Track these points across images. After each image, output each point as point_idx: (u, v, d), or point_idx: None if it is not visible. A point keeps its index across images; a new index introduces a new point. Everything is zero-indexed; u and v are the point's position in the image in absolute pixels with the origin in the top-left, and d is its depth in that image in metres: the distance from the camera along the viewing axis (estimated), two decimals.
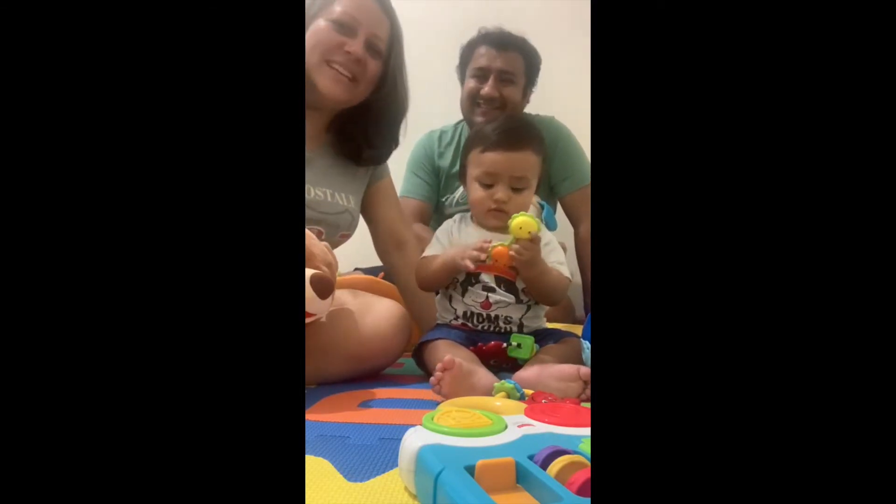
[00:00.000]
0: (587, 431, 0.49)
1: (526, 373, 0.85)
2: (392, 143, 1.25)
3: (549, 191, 1.76)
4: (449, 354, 0.80)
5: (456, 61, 1.77)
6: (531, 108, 1.79)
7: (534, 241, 0.91)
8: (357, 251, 1.35)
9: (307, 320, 0.80)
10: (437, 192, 1.80)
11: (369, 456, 0.57)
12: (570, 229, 1.78)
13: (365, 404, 0.81)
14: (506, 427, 0.49)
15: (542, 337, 1.00)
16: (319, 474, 0.51)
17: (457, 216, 1.11)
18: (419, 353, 0.99)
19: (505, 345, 0.96)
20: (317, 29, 1.10)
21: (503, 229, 0.96)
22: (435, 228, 1.15)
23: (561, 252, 1.05)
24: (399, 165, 1.72)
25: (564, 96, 1.76)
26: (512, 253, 0.91)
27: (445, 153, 1.79)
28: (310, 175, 1.12)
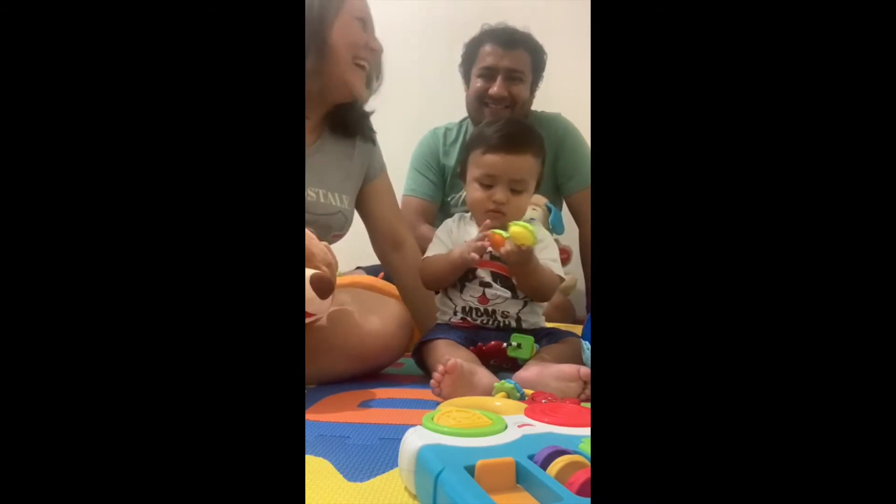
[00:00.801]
0: (587, 431, 0.49)
1: (526, 373, 0.85)
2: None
3: (556, 190, 1.75)
4: (451, 357, 0.80)
5: (458, 59, 1.74)
6: (535, 104, 1.78)
7: (524, 252, 0.92)
8: (359, 249, 1.35)
9: (307, 320, 0.80)
10: (443, 191, 1.78)
11: (369, 456, 0.57)
12: (576, 230, 1.78)
13: (365, 404, 0.81)
14: (506, 427, 0.49)
15: (542, 337, 1.00)
16: (319, 474, 0.51)
17: (456, 216, 1.12)
18: (419, 352, 1.00)
19: (505, 345, 0.96)
20: (344, 25, 1.08)
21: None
22: None
23: (555, 250, 1.06)
24: (402, 163, 1.72)
25: (567, 92, 1.75)
26: (502, 251, 0.93)
27: (451, 151, 1.77)
28: None
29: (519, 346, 0.95)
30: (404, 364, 1.13)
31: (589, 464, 0.41)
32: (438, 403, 0.69)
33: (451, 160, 1.76)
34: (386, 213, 1.26)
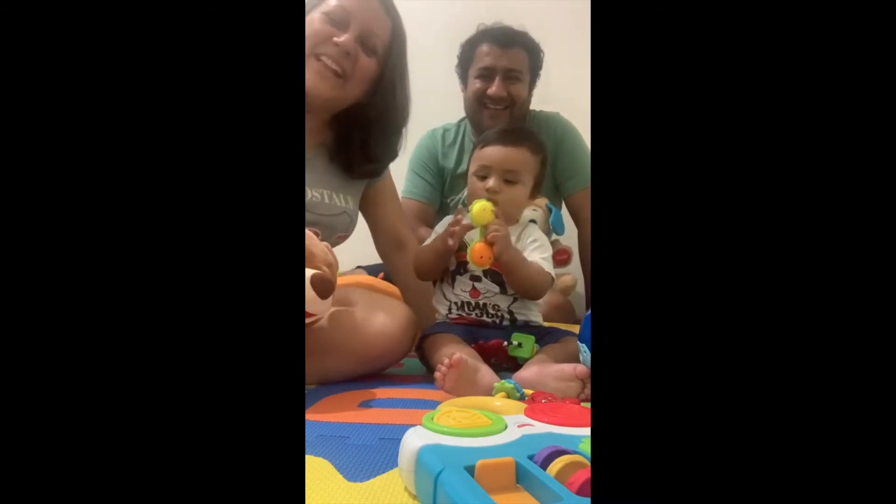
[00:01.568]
0: (587, 431, 0.49)
1: (526, 373, 0.85)
2: (389, 154, 1.21)
3: (555, 190, 1.75)
4: (457, 352, 0.80)
5: (454, 59, 1.74)
6: (534, 104, 1.77)
7: (497, 216, 0.96)
8: (360, 249, 1.35)
9: (308, 321, 0.80)
10: (441, 193, 1.77)
11: (369, 456, 0.57)
12: (576, 230, 1.78)
13: (365, 404, 0.81)
14: (506, 427, 0.49)
15: (541, 336, 1.00)
16: (319, 474, 0.51)
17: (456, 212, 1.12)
18: (421, 346, 1.00)
19: (506, 343, 0.96)
20: (309, 21, 1.05)
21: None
22: None
23: (548, 250, 1.07)
24: (400, 165, 1.71)
25: (567, 92, 1.74)
26: (489, 237, 0.95)
27: (449, 153, 1.77)
28: (307, 176, 1.10)
29: (520, 345, 0.95)
30: (405, 364, 1.13)
31: (589, 464, 0.41)
32: (438, 403, 0.69)
33: (450, 162, 1.75)
34: (389, 214, 1.27)
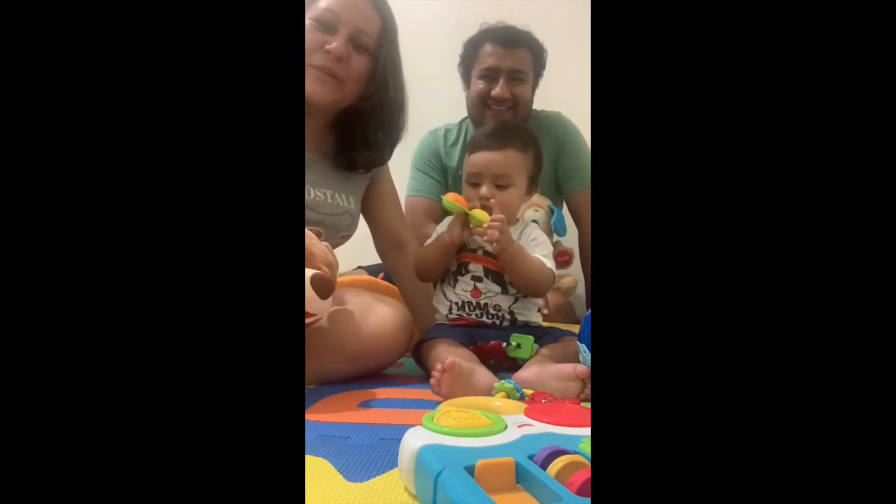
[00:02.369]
0: (587, 431, 0.49)
1: (525, 373, 0.85)
2: (388, 144, 1.21)
3: (557, 191, 1.74)
4: (450, 356, 0.80)
5: (456, 58, 1.73)
6: (535, 104, 1.77)
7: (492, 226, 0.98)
8: (360, 249, 1.35)
9: (307, 320, 0.80)
10: (447, 191, 1.77)
11: (369, 456, 0.56)
12: (576, 231, 1.78)
13: (365, 404, 0.81)
14: (506, 427, 0.49)
15: (540, 336, 1.00)
16: (319, 474, 0.51)
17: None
18: (418, 351, 1.00)
19: (505, 344, 0.96)
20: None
21: None
22: None
23: (548, 248, 1.08)
24: (401, 163, 1.71)
25: (567, 92, 1.74)
26: (487, 235, 0.96)
27: (451, 152, 1.76)
28: (310, 176, 1.11)
29: (519, 345, 0.95)
30: (404, 364, 1.13)
31: (589, 464, 0.41)
32: (438, 403, 0.69)
33: (453, 161, 1.75)
34: (390, 214, 1.28)
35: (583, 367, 0.81)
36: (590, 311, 1.05)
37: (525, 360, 0.93)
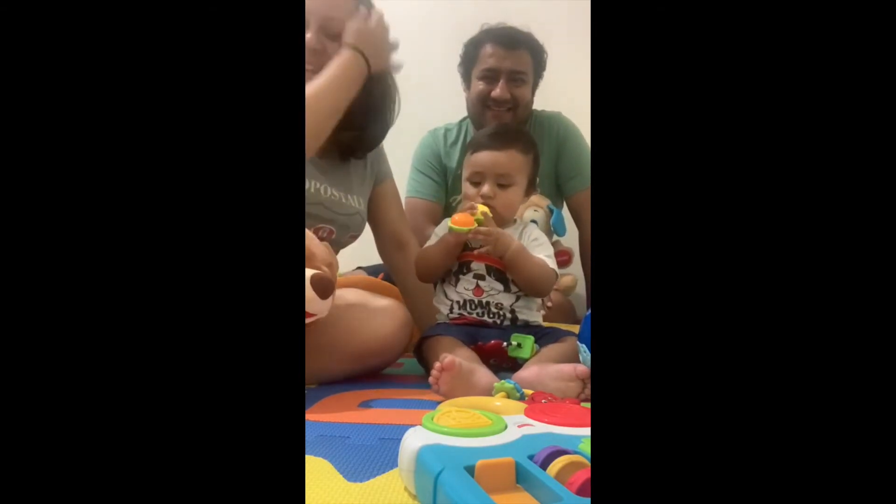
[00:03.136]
0: (587, 431, 0.49)
1: (525, 373, 0.85)
2: (378, 127, 1.19)
3: (557, 191, 1.75)
4: (449, 354, 0.80)
5: (456, 59, 1.73)
6: (534, 104, 1.77)
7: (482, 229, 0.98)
8: (360, 249, 1.35)
9: (307, 320, 0.80)
10: (446, 192, 1.77)
11: (369, 456, 0.56)
12: (577, 231, 1.78)
13: (365, 404, 0.81)
14: (506, 427, 0.49)
15: (540, 336, 1.00)
16: (319, 474, 0.51)
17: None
18: (419, 348, 1.00)
19: (505, 344, 0.96)
20: None
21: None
22: None
23: (549, 248, 1.08)
24: (402, 164, 1.71)
25: (567, 92, 1.74)
26: (482, 238, 0.97)
27: (451, 153, 1.76)
28: (324, 176, 1.12)
29: (519, 345, 0.95)
30: (404, 364, 1.13)
31: (589, 464, 0.41)
32: (438, 403, 0.69)
33: (453, 161, 1.75)
34: (392, 215, 1.29)
35: (583, 367, 0.81)
36: (590, 311, 1.05)
37: (525, 360, 0.93)
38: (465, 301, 1.04)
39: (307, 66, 1.06)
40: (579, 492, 0.38)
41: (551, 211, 1.64)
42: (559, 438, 0.47)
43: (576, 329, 1.03)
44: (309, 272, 0.78)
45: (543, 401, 0.68)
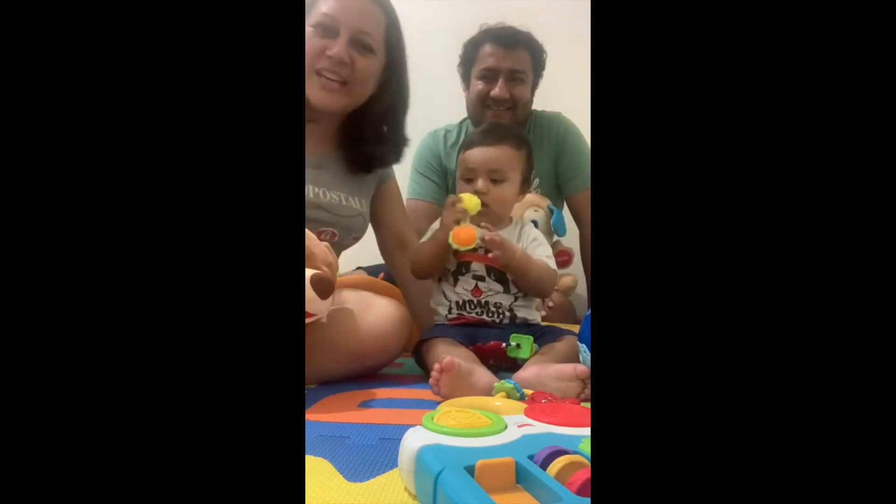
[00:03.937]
0: (587, 431, 0.49)
1: (525, 373, 0.85)
2: (397, 141, 1.21)
3: (557, 190, 1.75)
4: (448, 355, 0.80)
5: (456, 59, 1.73)
6: (535, 104, 1.77)
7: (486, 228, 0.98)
8: (360, 250, 1.35)
9: (307, 320, 0.80)
10: (447, 193, 1.77)
11: (369, 456, 0.56)
12: (577, 231, 1.78)
13: (365, 404, 0.81)
14: (506, 427, 0.49)
15: (540, 336, 1.00)
16: (319, 474, 0.51)
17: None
18: (418, 351, 1.00)
19: (504, 344, 0.96)
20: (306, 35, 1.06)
21: (491, 224, 1.03)
22: None
23: (548, 248, 1.09)
24: (403, 167, 1.71)
25: (567, 92, 1.74)
26: (487, 239, 0.97)
27: (451, 154, 1.75)
28: (325, 179, 1.12)
29: (518, 346, 0.95)
30: (404, 364, 1.13)
31: (589, 464, 0.41)
32: (438, 403, 0.69)
33: (453, 163, 1.75)
34: (394, 215, 1.29)
35: (583, 367, 0.81)
36: (590, 311, 1.05)
37: (525, 360, 0.93)
38: (464, 301, 1.04)
39: (333, 78, 1.06)
40: (579, 492, 0.38)
41: (551, 211, 1.64)
42: (559, 438, 0.47)
43: (576, 329, 1.03)
44: (309, 272, 0.78)
45: (543, 401, 0.68)
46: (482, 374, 0.82)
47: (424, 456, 0.43)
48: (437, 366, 0.79)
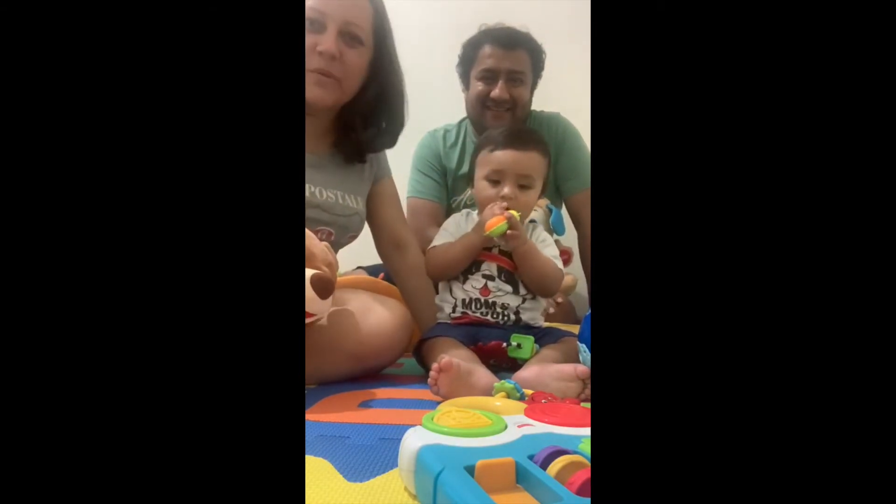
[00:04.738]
0: (587, 431, 0.49)
1: (526, 373, 0.85)
2: (391, 129, 1.20)
3: (556, 191, 1.75)
4: (446, 355, 0.80)
5: (455, 59, 1.73)
6: (534, 104, 1.77)
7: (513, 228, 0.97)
8: (360, 249, 1.35)
9: (307, 320, 0.80)
10: (447, 192, 1.76)
11: (369, 456, 0.56)
12: (575, 232, 1.78)
13: (365, 404, 0.81)
14: (506, 427, 0.49)
15: (541, 337, 1.00)
16: (319, 474, 0.51)
17: (464, 211, 1.14)
18: (419, 350, 1.00)
19: (505, 344, 0.96)
20: None
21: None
22: None
23: (556, 249, 1.09)
24: (401, 163, 1.71)
25: (567, 92, 1.74)
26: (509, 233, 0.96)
27: (451, 154, 1.76)
28: (320, 178, 1.11)
29: (519, 346, 0.95)
30: (404, 364, 1.13)
31: (589, 464, 0.41)
32: (438, 403, 0.69)
33: (452, 162, 1.75)
34: (391, 215, 1.28)
35: (583, 367, 0.81)
36: (590, 311, 1.05)
37: (525, 360, 0.93)
38: (471, 300, 1.03)
39: (325, 74, 1.05)
40: (579, 492, 0.38)
41: (550, 210, 1.64)
42: (559, 438, 0.47)
43: (576, 329, 1.03)
44: (309, 272, 0.78)
45: (543, 401, 0.68)
46: (482, 374, 0.82)
47: (424, 456, 0.43)
48: (435, 366, 0.79)
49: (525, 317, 1.03)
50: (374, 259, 1.37)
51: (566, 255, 1.77)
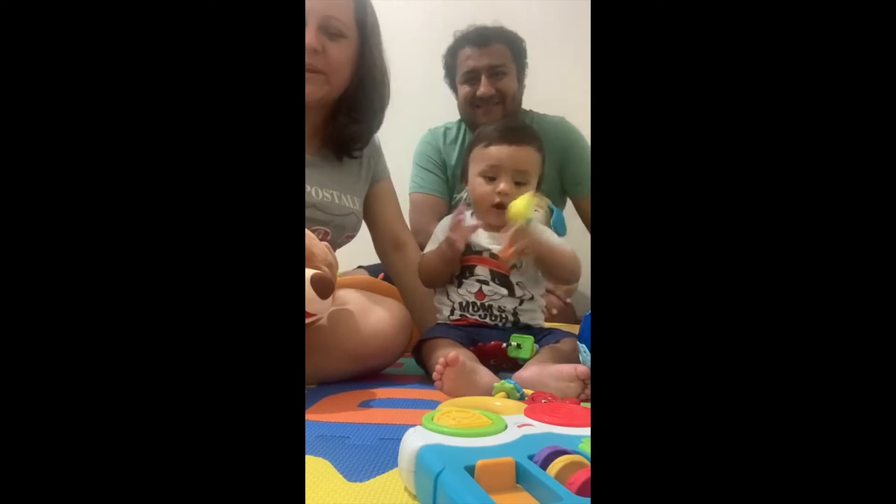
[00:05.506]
0: (587, 431, 0.49)
1: (526, 373, 0.85)
2: (375, 116, 1.19)
3: (561, 193, 1.75)
4: (453, 351, 0.80)
5: None
6: (535, 107, 1.77)
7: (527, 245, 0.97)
8: (360, 249, 1.35)
9: (307, 320, 0.80)
10: (448, 188, 1.77)
11: (369, 456, 0.57)
12: (586, 235, 1.78)
13: (365, 404, 0.81)
14: (506, 427, 0.49)
15: (541, 337, 1.00)
16: (319, 474, 0.51)
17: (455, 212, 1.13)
18: (418, 351, 1.00)
19: (505, 345, 0.96)
20: None
21: (501, 224, 1.00)
22: None
23: (553, 234, 1.08)
24: (401, 163, 1.71)
25: (567, 93, 1.74)
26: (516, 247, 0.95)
27: (450, 150, 1.77)
28: (317, 177, 1.11)
29: (519, 346, 0.95)
30: (404, 364, 1.13)
31: (589, 464, 0.41)
32: (438, 403, 0.69)
33: (452, 159, 1.76)
34: (389, 214, 1.28)
35: (583, 368, 0.81)
36: (590, 311, 1.05)
37: (525, 361, 0.93)
38: (467, 303, 1.03)
39: (309, 69, 1.04)
40: (579, 492, 0.38)
41: (551, 211, 1.64)
42: (559, 438, 0.47)
43: (576, 329, 1.03)
44: (309, 272, 0.78)
45: (543, 401, 0.68)
46: (484, 374, 0.82)
47: (424, 456, 0.43)
48: (441, 359, 0.79)
49: (524, 318, 1.03)
50: (375, 259, 1.38)
51: None
